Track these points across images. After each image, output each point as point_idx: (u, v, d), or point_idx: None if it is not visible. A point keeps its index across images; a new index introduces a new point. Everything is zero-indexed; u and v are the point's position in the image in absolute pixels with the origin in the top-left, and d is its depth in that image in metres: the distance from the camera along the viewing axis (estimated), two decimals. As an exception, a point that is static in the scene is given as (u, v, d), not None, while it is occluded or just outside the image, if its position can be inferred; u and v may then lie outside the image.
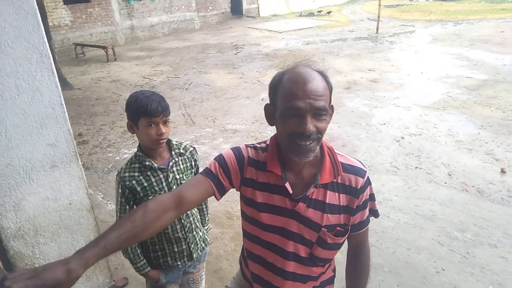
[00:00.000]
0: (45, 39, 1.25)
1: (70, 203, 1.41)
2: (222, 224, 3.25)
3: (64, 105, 1.34)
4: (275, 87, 1.07)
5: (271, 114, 1.11)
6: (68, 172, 1.38)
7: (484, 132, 4.78)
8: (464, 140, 4.60)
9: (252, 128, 5.20)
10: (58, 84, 1.30)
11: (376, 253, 2.84)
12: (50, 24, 8.61)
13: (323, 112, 1.02)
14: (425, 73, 7.41)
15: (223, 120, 5.65)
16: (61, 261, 0.85)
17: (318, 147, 1.06)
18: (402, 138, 4.75)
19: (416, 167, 4.06)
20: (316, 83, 1.01)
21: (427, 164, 4.11)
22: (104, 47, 10.05)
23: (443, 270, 2.66)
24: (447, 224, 3.14)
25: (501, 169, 3.91)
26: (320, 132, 1.03)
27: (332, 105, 1.10)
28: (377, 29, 11.77)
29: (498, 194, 3.51)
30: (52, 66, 1.27)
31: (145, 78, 8.15)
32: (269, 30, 13.70)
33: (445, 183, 3.75)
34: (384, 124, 5.22)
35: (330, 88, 1.07)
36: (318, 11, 17.63)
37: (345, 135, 4.93)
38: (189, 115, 5.92)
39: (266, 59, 9.25)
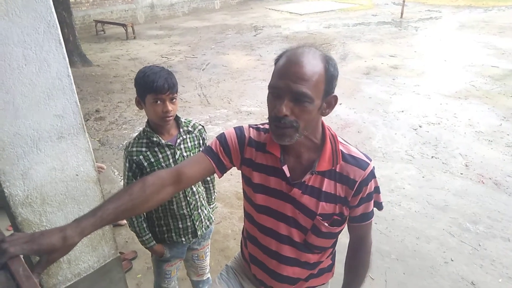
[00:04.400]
0: (53, 9, 1.24)
1: (77, 175, 1.43)
2: (232, 204, 3.27)
3: (72, 77, 1.34)
4: (275, 64, 1.05)
5: None
6: (75, 144, 1.40)
7: (506, 124, 4.62)
8: (484, 131, 4.46)
9: (267, 111, 5.16)
10: (66, 55, 1.30)
11: (384, 240, 2.82)
12: (71, 1, 8.65)
13: (304, 99, 0.96)
14: (449, 61, 7.16)
15: (238, 102, 5.63)
16: (58, 228, 0.86)
17: (296, 134, 1.00)
18: (420, 127, 4.64)
19: (432, 157, 3.97)
20: (305, 66, 0.95)
21: (444, 154, 4.01)
22: (124, 25, 10.07)
23: (452, 260, 2.62)
24: (460, 215, 3.07)
25: (522, 162, 3.78)
26: (299, 119, 0.98)
27: (335, 95, 1.04)
28: (402, 13, 11.39)
29: (515, 188, 3.40)
30: (59, 37, 1.27)
31: (163, 57, 8.16)
32: (290, 12, 13.43)
33: (461, 174, 3.66)
34: (402, 111, 5.09)
35: (329, 76, 1.00)
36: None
37: (361, 121, 4.84)
38: (205, 96, 5.92)
39: (285, 42, 9.11)
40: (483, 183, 3.50)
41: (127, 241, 2.87)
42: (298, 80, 0.95)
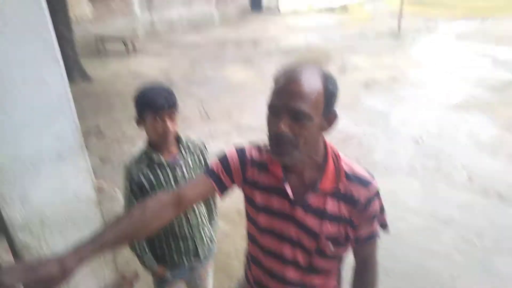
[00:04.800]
0: (52, 30, 1.24)
1: (77, 196, 1.41)
2: (233, 221, 3.23)
3: (71, 97, 1.34)
4: (273, 83, 1.04)
5: None
6: (75, 165, 1.38)
7: (507, 134, 4.60)
8: (486, 142, 4.44)
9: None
10: (65, 75, 1.30)
11: (388, 256, 2.76)
12: (71, 17, 8.75)
13: (303, 117, 0.95)
14: (448, 72, 7.18)
15: (238, 116, 5.63)
16: (56, 256, 0.84)
17: (296, 152, 0.99)
18: (421, 139, 4.62)
19: (434, 169, 3.94)
20: (302, 84, 0.94)
21: (447, 166, 3.98)
22: (125, 41, 10.16)
23: (459, 277, 2.57)
24: (465, 229, 3.03)
25: (525, 173, 3.75)
26: (298, 137, 0.96)
27: (334, 113, 1.03)
28: (399, 25, 11.48)
29: (521, 200, 3.37)
30: (58, 58, 1.26)
31: (163, 73, 8.20)
32: (289, 26, 13.57)
33: (465, 186, 3.63)
34: (403, 123, 5.08)
35: (328, 94, 0.98)
36: (339, 7, 17.37)
37: (361, 134, 4.83)
38: (205, 110, 5.93)
39: (284, 55, 9.17)
40: (488, 195, 3.47)
41: (128, 262, 2.82)
42: (296, 98, 0.94)
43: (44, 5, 1.17)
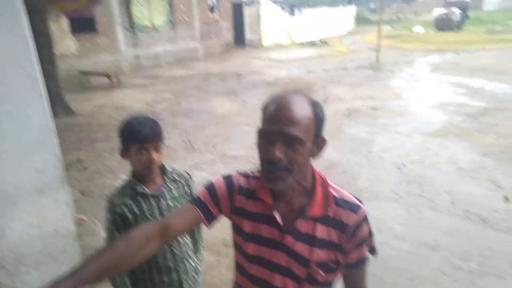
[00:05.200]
0: (36, 66, 1.25)
1: (55, 230, 1.37)
2: (219, 252, 3.17)
3: (54, 131, 1.33)
4: (263, 110, 1.06)
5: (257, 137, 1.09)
6: (55, 199, 1.35)
7: (486, 160, 4.73)
8: (466, 168, 4.55)
9: (252, 155, 5.18)
10: (48, 109, 1.30)
11: (377, 283, 2.74)
12: (57, 53, 8.81)
13: (295, 141, 0.96)
14: (426, 101, 7.44)
15: (223, 147, 5.65)
16: None
17: (290, 178, 1.00)
18: (404, 165, 4.70)
19: (418, 195, 3.99)
20: (294, 110, 0.97)
21: (429, 192, 4.04)
22: (108, 75, 10.22)
23: (448, 302, 2.55)
24: (451, 253, 3.04)
25: (505, 197, 3.83)
26: (292, 162, 0.98)
27: (323, 138, 1.06)
28: (377, 58, 11.95)
29: (503, 223, 3.42)
30: (41, 92, 1.27)
31: (147, 105, 8.23)
32: (271, 59, 13.95)
33: (448, 211, 3.67)
34: (385, 151, 5.18)
35: (317, 119, 1.02)
36: (319, 41, 18.00)
37: (346, 162, 4.89)
38: (190, 141, 5.93)
39: (268, 87, 9.36)
40: (470, 219, 3.51)
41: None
42: (289, 123, 0.96)
43: (30, 41, 1.19)
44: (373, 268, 2.87)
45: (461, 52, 12.77)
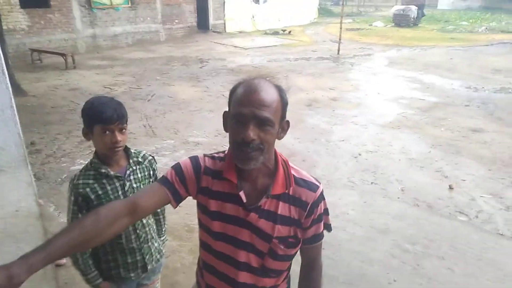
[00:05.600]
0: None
1: (16, 210, 1.34)
2: (181, 237, 3.19)
3: (15, 108, 1.29)
4: (231, 95, 1.11)
5: (226, 120, 1.14)
6: (16, 178, 1.32)
7: (434, 151, 5.07)
8: (416, 158, 4.85)
9: (215, 141, 5.20)
10: (9, 86, 1.25)
11: (332, 265, 2.90)
12: (4, 27, 8.22)
13: (267, 123, 1.04)
14: (382, 94, 7.78)
15: (185, 133, 5.61)
16: (2, 266, 0.81)
17: (261, 157, 1.07)
18: (359, 155, 4.93)
19: (371, 183, 4.22)
20: (264, 94, 1.04)
21: (382, 180, 4.28)
22: (63, 54, 9.71)
23: (395, 281, 2.76)
24: (400, 237, 3.27)
25: (449, 185, 4.15)
26: (263, 142, 1.05)
27: (287, 120, 1.15)
28: (338, 50, 12.25)
29: (446, 209, 3.71)
30: (3, 67, 1.23)
31: (105, 87, 7.94)
32: (235, 46, 13.86)
33: (398, 198, 3.92)
34: (343, 140, 5.40)
35: (283, 103, 1.10)
36: (282, 30, 18.10)
37: (305, 151, 5.04)
38: (150, 127, 5.82)
39: (231, 74, 9.33)
40: (418, 206, 3.78)
41: (66, 283, 2.64)
42: (261, 106, 1.02)
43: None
44: (328, 251, 3.05)
45: (416, 48, 13.39)
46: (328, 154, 4.97)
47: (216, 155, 1.22)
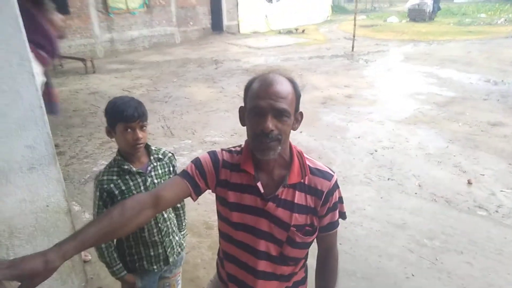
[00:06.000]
0: (26, 43, 1.29)
1: (47, 206, 1.43)
2: (200, 233, 3.27)
3: (44, 109, 1.38)
4: (246, 89, 1.17)
5: (243, 115, 1.19)
6: (46, 175, 1.41)
7: (452, 146, 5.01)
8: (433, 153, 4.81)
9: (231, 141, 5.27)
10: (38, 87, 1.34)
11: (349, 260, 2.92)
12: (27, 35, 8.50)
13: (284, 114, 1.10)
14: (397, 90, 7.70)
15: (202, 133, 5.70)
16: (39, 253, 0.88)
17: (279, 147, 1.13)
18: (376, 151, 4.91)
19: (388, 179, 4.21)
20: (280, 87, 1.10)
21: (399, 176, 4.26)
22: (83, 59, 9.97)
23: (413, 276, 2.76)
24: (417, 232, 3.26)
25: (468, 180, 4.10)
26: (281, 133, 1.11)
27: (301, 112, 1.20)
28: (353, 47, 12.18)
29: (464, 204, 3.68)
30: (32, 70, 1.31)
31: (124, 90, 8.12)
32: (249, 46, 13.93)
33: (416, 193, 3.90)
34: (359, 137, 5.38)
35: (297, 95, 1.15)
36: (295, 29, 18.08)
37: (321, 148, 5.06)
38: (168, 128, 5.94)
39: (245, 74, 9.40)
40: (436, 201, 3.75)
41: (92, 278, 2.76)
42: (278, 98, 1.08)
43: (20, 23, 1.23)
44: (345, 246, 3.08)
45: (432, 43, 13.18)
46: (344, 151, 4.97)
47: (233, 149, 1.28)
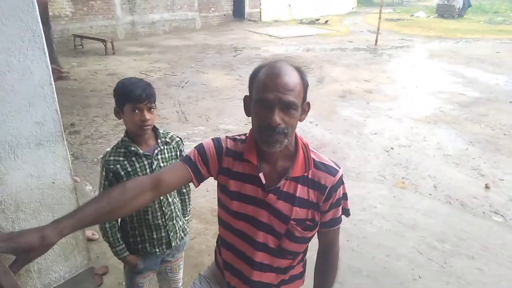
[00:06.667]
0: (39, 20, 1.27)
1: (53, 182, 1.43)
2: (207, 220, 3.27)
3: (54, 85, 1.37)
4: (252, 79, 1.12)
5: (248, 104, 1.15)
6: (53, 152, 1.41)
7: (472, 148, 4.85)
8: (452, 155, 4.67)
9: (245, 129, 5.23)
10: (49, 64, 1.33)
11: (356, 257, 2.88)
12: (50, 13, 8.59)
13: (292, 107, 1.05)
14: (420, 87, 7.50)
15: (216, 120, 5.69)
16: (36, 228, 0.88)
17: (286, 140, 1.08)
18: (392, 149, 4.81)
19: (402, 178, 4.12)
20: (288, 78, 1.04)
21: (414, 175, 4.16)
22: (103, 40, 10.05)
23: (420, 277, 2.71)
24: (428, 233, 3.18)
25: (486, 184, 3.97)
26: (288, 126, 1.06)
27: (308, 102, 1.14)
28: (376, 41, 11.90)
29: (480, 208, 3.57)
30: (44, 46, 1.30)
31: (142, 73, 8.16)
32: (270, 35, 13.78)
33: (430, 194, 3.81)
34: (375, 134, 5.28)
35: (305, 85, 1.10)
36: (316, 20, 17.77)
37: (336, 142, 4.98)
38: (183, 113, 5.95)
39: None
40: (450, 203, 3.65)
41: (98, 256, 2.81)
42: (285, 91, 1.03)
43: None
44: (353, 243, 3.03)
45: (460, 41, 12.77)
46: (359, 146, 4.88)
47: (238, 137, 1.24)
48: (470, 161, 4.52)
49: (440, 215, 3.46)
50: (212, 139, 1.24)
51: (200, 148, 1.21)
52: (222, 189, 1.24)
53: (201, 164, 1.18)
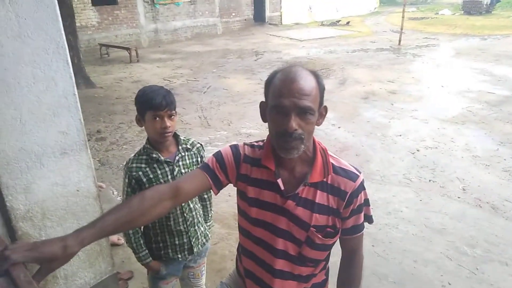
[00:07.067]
0: (62, 31, 1.31)
1: (77, 190, 1.47)
2: (229, 225, 3.28)
3: (77, 96, 1.41)
4: (268, 84, 1.11)
5: (264, 110, 1.14)
6: (78, 160, 1.44)
7: (503, 149, 4.66)
8: (481, 156, 4.50)
9: (266, 133, 5.21)
10: (72, 75, 1.37)
11: (381, 263, 2.81)
12: (77, 24, 8.90)
13: (309, 111, 1.03)
14: (446, 87, 7.29)
15: (238, 124, 5.71)
16: (59, 238, 0.90)
17: (303, 146, 1.06)
18: (418, 151, 4.68)
19: (429, 180, 4.00)
20: (303, 83, 1.02)
21: (441, 178, 4.03)
22: (128, 48, 10.31)
23: (449, 284, 2.61)
24: (457, 238, 3.07)
25: (518, 186, 3.80)
26: (305, 131, 1.04)
27: (325, 106, 1.12)
28: (400, 41, 11.66)
29: (513, 212, 3.41)
30: (67, 58, 1.34)
31: (165, 79, 8.32)
32: (291, 38, 13.76)
33: (459, 197, 3.67)
34: (400, 135, 5.15)
35: (321, 89, 1.08)
36: (337, 21, 17.60)
37: (359, 145, 4.90)
38: (205, 118, 6.01)
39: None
40: (481, 207, 3.51)
41: (123, 261, 2.86)
42: (302, 96, 1.01)
43: (58, 11, 1.25)
44: (378, 248, 2.95)
45: (487, 38, 12.33)
46: (383, 149, 4.78)
47: (255, 143, 1.24)
48: (501, 162, 4.34)
49: (470, 218, 3.33)
50: (230, 145, 1.24)
51: (218, 156, 1.21)
52: (241, 195, 1.23)
53: (219, 171, 1.18)
